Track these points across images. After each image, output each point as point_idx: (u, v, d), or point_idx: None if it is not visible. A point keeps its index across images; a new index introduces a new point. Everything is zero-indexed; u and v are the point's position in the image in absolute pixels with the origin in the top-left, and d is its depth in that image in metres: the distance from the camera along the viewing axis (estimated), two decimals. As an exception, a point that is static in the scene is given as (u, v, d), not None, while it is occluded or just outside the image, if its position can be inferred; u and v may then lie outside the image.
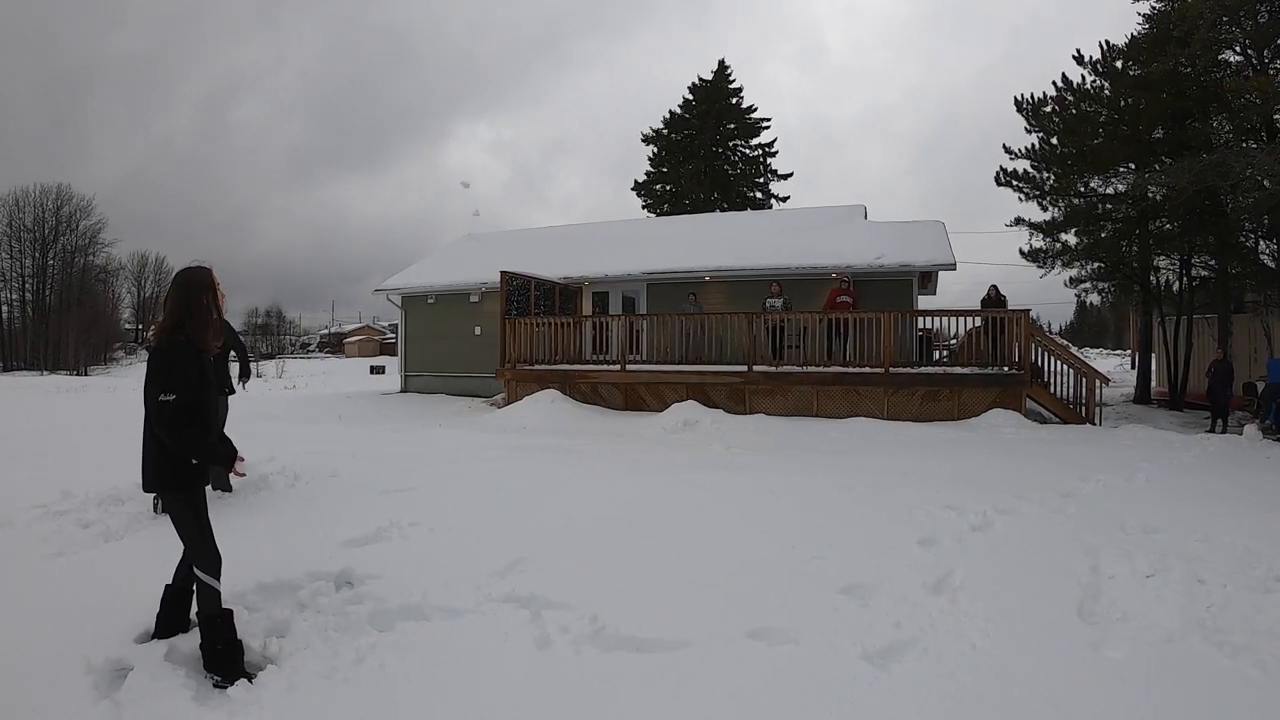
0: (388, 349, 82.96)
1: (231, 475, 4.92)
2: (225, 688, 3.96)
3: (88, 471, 8.11)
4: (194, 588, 4.36)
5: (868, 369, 16.43)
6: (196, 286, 4.29)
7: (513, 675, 4.13)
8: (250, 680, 4.02)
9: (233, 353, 8.76)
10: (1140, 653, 4.42)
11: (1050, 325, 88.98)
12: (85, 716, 3.69)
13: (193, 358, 4.15)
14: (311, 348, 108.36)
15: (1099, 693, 3.98)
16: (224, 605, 4.23)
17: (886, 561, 5.94)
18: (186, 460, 4.18)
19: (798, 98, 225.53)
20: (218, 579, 4.21)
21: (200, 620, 4.19)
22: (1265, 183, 18.90)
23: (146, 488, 4.30)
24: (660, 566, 5.78)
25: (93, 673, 3.99)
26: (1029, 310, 16.43)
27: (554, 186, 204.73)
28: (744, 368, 17.02)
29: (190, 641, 4.26)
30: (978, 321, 16.89)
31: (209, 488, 7.14)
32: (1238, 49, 21.33)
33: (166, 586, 4.50)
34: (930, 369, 17.01)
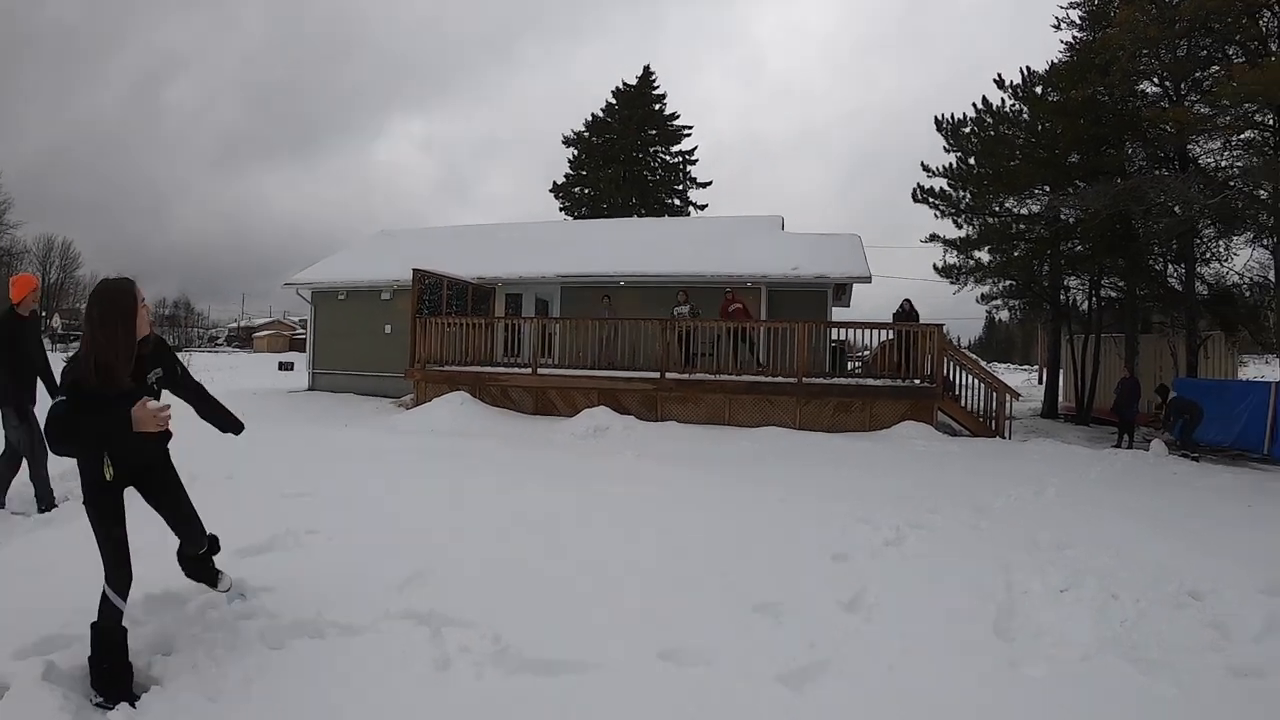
0: (298, 345, 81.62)
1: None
2: (108, 709, 3.70)
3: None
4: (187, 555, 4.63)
5: (781, 378, 16.46)
6: (109, 308, 3.83)
7: (410, 700, 3.88)
8: (133, 704, 3.73)
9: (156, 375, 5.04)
10: (1058, 671, 4.39)
11: (960, 340, 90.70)
12: None
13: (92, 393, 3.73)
14: (219, 341, 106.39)
15: (1019, 713, 3.93)
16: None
17: (800, 578, 5.83)
18: (92, 469, 3.92)
19: (735, 110, 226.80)
20: (123, 598, 3.95)
21: (93, 633, 3.91)
22: (1176, 209, 19.44)
23: None
24: (567, 582, 5.58)
25: (-35, 693, 3.66)
26: (942, 325, 16.60)
27: (483, 187, 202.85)
28: (657, 374, 16.96)
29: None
30: (891, 334, 17.01)
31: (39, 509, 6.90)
32: (1156, 80, 21.87)
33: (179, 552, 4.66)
34: (843, 380, 17.16)
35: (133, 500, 4.13)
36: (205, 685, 3.90)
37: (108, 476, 3.93)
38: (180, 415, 4.21)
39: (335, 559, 5.85)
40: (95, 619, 3.91)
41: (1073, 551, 6.79)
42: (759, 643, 4.62)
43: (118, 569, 3.95)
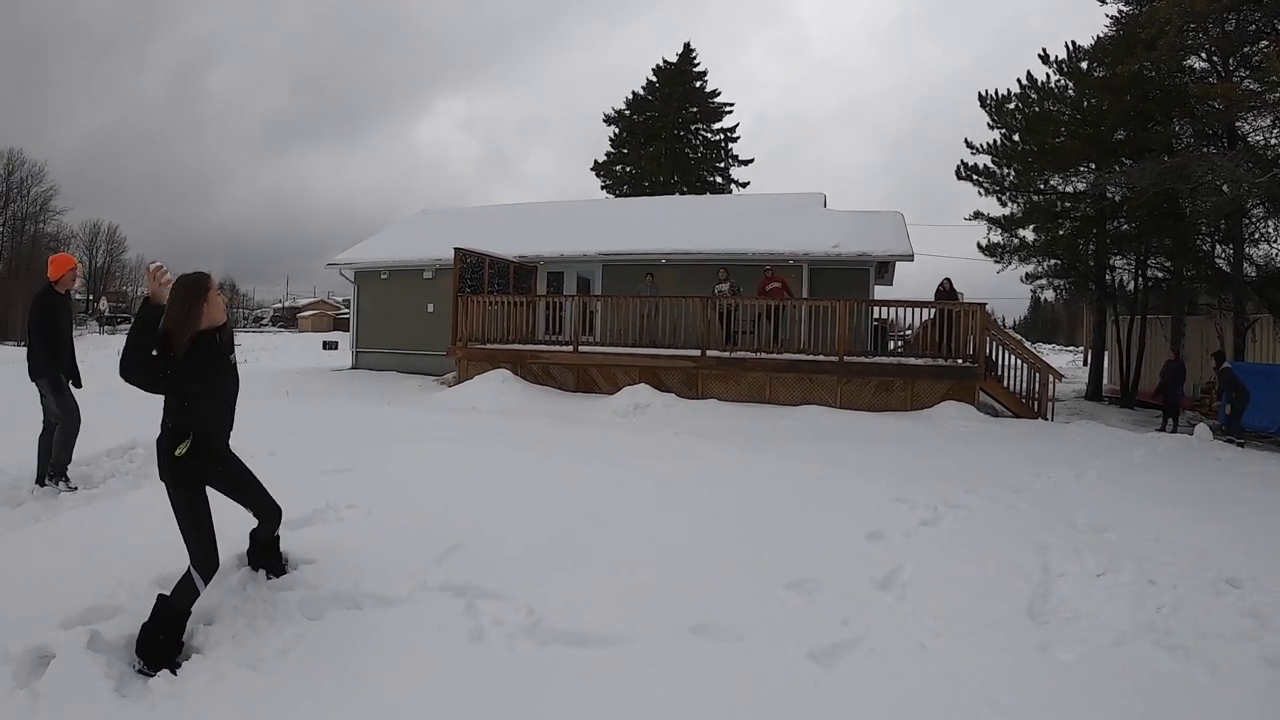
0: (341, 324, 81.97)
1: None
2: (149, 676, 3.86)
3: (21, 449, 7.63)
4: (260, 539, 4.98)
5: (822, 357, 16.41)
6: (184, 295, 4.26)
7: (443, 670, 4.01)
8: (174, 672, 3.88)
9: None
10: (1090, 655, 4.39)
11: (1005, 319, 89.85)
12: (1, 709, 3.55)
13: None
14: (265, 321, 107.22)
15: (1048, 697, 3.94)
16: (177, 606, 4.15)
17: (835, 555, 5.86)
18: (168, 450, 4.20)
19: (778, 86, 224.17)
20: (206, 582, 4.19)
21: (159, 604, 4.10)
22: (1224, 188, 19.08)
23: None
24: (602, 556, 5.66)
25: (11, 661, 3.84)
26: (985, 304, 16.46)
27: (526, 165, 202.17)
28: (697, 352, 16.93)
29: (115, 630, 4.14)
30: (933, 313, 16.90)
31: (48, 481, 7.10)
32: (1203, 55, 21.44)
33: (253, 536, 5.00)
34: (884, 359, 17.06)
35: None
36: (245, 654, 4.05)
37: (178, 452, 4.15)
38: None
39: (374, 533, 5.96)
40: (166, 592, 4.12)
41: (1111, 535, 6.76)
42: (791, 619, 4.68)
43: (203, 554, 4.18)
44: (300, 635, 4.27)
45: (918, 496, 7.72)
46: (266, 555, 5.05)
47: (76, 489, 7.31)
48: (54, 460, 7.37)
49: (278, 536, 5.09)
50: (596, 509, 6.91)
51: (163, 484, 4.30)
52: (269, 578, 4.93)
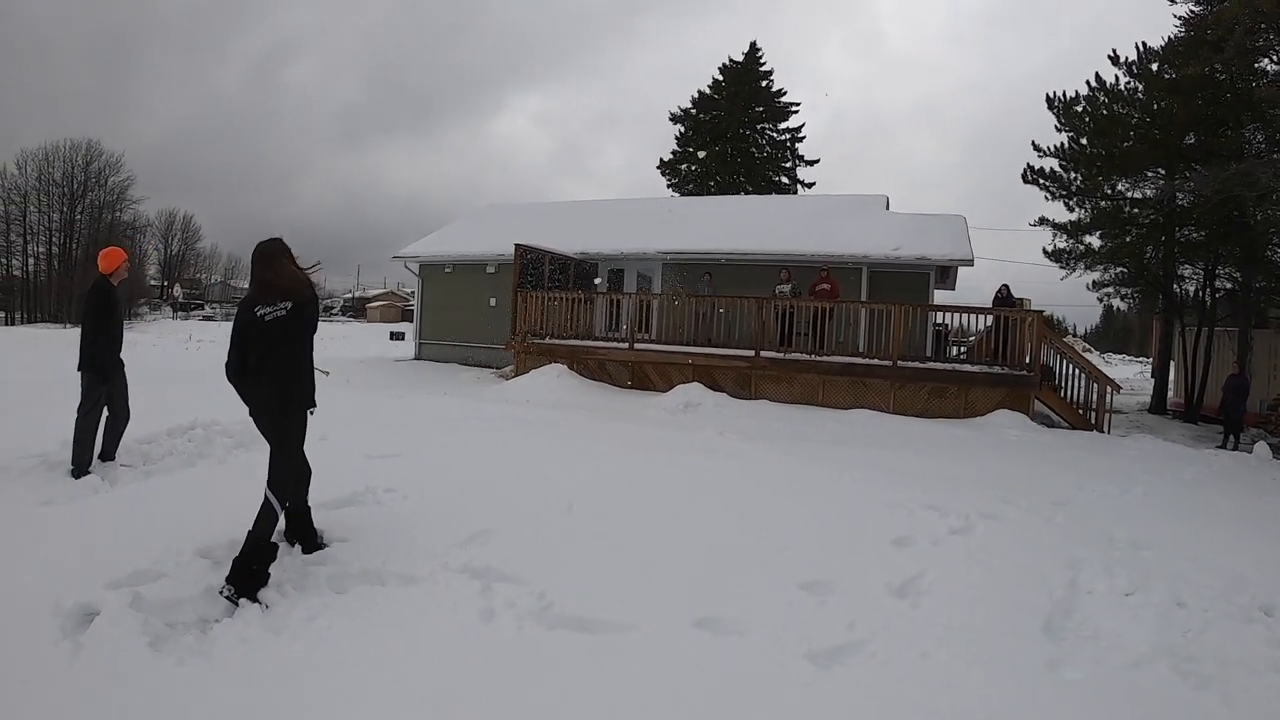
0: (409, 315, 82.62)
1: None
2: (236, 604, 4.40)
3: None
4: (295, 508, 5.32)
5: (875, 361, 16.30)
6: (265, 253, 5.14)
7: (451, 644, 4.23)
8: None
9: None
10: (1100, 675, 4.27)
11: (1076, 328, 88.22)
12: (45, 657, 3.85)
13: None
14: (334, 311, 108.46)
15: (1046, 714, 3.87)
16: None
17: (855, 559, 5.85)
18: (309, 392, 5.19)
19: (854, 85, 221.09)
20: (283, 506, 4.83)
21: (248, 539, 4.61)
22: (1294, 196, 18.62)
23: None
24: (623, 547, 5.80)
25: (60, 615, 4.15)
26: (1043, 311, 16.29)
27: (599, 161, 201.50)
28: (751, 352, 16.90)
29: (157, 592, 4.44)
30: (990, 320, 16.77)
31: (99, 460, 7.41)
32: (1274, 57, 20.95)
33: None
34: (939, 365, 16.85)
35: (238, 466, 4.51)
36: (272, 621, 4.35)
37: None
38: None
39: (407, 515, 6.24)
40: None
41: (1148, 553, 6.51)
42: (798, 619, 4.71)
43: (293, 480, 5.04)
44: (326, 606, 4.55)
45: (952, 504, 7.56)
46: (301, 525, 5.42)
47: (164, 457, 7.90)
48: (74, 455, 7.28)
49: (309, 507, 5.49)
50: (625, 502, 7.08)
51: (267, 431, 5.01)
52: (304, 552, 5.24)
